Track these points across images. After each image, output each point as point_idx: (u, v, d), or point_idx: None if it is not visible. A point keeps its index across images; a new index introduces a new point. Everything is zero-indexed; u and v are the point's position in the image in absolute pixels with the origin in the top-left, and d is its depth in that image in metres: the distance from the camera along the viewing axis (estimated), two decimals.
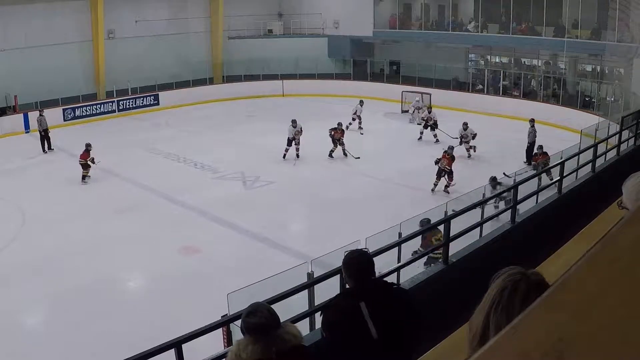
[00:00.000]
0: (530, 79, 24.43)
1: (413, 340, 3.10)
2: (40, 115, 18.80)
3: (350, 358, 2.99)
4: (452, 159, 13.78)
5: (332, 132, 16.89)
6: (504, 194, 10.37)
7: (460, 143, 16.58)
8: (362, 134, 19.75)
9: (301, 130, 16.80)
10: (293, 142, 16.77)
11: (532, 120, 16.36)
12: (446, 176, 13.77)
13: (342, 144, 16.92)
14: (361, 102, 20.34)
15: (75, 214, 12.83)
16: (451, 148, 14.02)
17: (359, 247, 5.50)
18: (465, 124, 16.84)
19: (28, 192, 14.48)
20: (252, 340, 2.52)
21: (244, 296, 4.86)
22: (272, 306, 2.90)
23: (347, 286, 3.25)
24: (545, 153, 13.68)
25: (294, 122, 16.84)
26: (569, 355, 0.60)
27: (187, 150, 17.93)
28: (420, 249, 8.74)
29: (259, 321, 2.52)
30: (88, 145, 15.26)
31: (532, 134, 15.99)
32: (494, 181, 11.46)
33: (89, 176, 15.12)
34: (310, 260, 6.06)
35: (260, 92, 26.47)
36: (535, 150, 14.36)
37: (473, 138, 16.62)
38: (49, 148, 18.51)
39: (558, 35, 22.10)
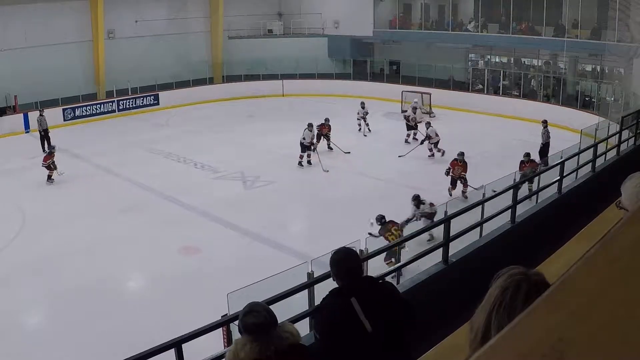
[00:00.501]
0: (530, 78, 24.43)
1: (409, 331, 3.12)
2: (41, 115, 18.81)
3: (347, 355, 3.00)
4: (465, 165, 13.37)
5: (319, 128, 17.13)
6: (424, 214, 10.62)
7: (422, 143, 16.89)
8: (365, 134, 19.74)
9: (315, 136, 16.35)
10: (307, 149, 15.93)
11: (544, 122, 16.10)
12: (461, 181, 13.40)
13: (327, 139, 17.17)
14: (362, 104, 20.26)
15: (75, 214, 12.83)
16: (461, 154, 13.51)
17: (360, 247, 5.52)
18: (427, 124, 16.90)
19: (28, 192, 14.49)
20: (250, 340, 2.52)
21: (244, 296, 4.86)
22: (272, 306, 2.91)
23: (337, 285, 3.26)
24: (533, 161, 13.23)
25: (310, 126, 16.06)
26: (569, 355, 0.60)
27: (187, 150, 17.93)
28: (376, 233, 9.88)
29: (257, 321, 2.53)
30: (52, 148, 15.52)
31: (546, 135, 15.80)
32: (417, 200, 11.08)
33: (53, 179, 15.05)
34: (310, 260, 6.06)
35: (260, 92, 26.47)
36: (522, 158, 13.42)
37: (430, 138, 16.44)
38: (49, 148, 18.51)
39: (558, 35, 22.10)
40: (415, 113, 18.89)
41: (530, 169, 12.50)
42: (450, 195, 13.27)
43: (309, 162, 16.11)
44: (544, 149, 15.43)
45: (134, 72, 24.09)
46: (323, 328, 3.04)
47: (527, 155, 13.37)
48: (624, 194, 2.17)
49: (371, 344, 2.94)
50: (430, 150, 16.54)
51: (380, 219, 10.00)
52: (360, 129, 19.87)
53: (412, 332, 3.16)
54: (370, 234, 10.14)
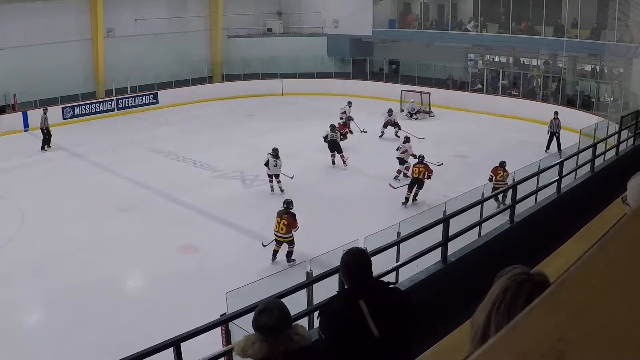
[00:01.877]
0: (530, 78, 24.44)
1: (412, 338, 3.09)
2: (44, 113, 18.77)
3: (352, 357, 2.97)
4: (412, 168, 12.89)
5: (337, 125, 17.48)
6: None
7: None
8: (362, 129, 19.74)
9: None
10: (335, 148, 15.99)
11: (556, 112, 16.98)
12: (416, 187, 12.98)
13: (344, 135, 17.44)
14: (349, 104, 20.10)
15: (74, 213, 12.81)
16: (420, 157, 13.09)
17: (358, 246, 5.49)
18: (406, 138, 15.64)
19: (28, 190, 14.47)
20: (260, 338, 2.50)
21: (242, 295, 4.87)
22: None
23: (345, 286, 3.23)
24: (505, 171, 12.12)
25: (333, 127, 16.41)
26: (569, 355, 0.60)
27: (187, 149, 17.91)
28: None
29: (269, 322, 2.49)
30: None
31: (556, 125, 16.71)
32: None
33: None
34: (309, 259, 6.07)
35: (260, 91, 26.46)
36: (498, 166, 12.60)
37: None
38: (47, 146, 18.49)
39: (557, 34, 22.11)
40: (390, 115, 19.03)
41: (500, 179, 11.95)
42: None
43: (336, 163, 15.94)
44: (551, 139, 16.41)
45: (133, 70, 24.07)
46: (329, 329, 3.00)
47: (502, 163, 12.44)
48: (629, 191, 2.16)
49: (377, 348, 2.91)
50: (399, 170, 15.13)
51: (287, 203, 10.60)
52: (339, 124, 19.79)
53: (413, 340, 3.14)
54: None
